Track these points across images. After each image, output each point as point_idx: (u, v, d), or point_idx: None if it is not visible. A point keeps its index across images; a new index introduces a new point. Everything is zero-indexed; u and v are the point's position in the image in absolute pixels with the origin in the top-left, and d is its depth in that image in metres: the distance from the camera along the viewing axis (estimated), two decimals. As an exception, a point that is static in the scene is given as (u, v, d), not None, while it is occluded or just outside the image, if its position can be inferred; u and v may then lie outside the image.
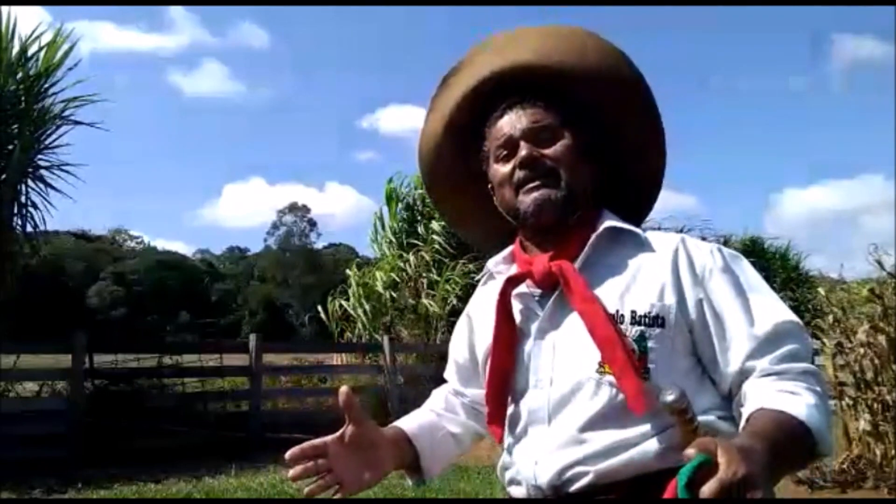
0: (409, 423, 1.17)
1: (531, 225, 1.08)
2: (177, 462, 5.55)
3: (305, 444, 1.01)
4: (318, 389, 8.88)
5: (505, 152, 1.08)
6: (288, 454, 1.00)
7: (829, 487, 4.31)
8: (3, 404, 6.28)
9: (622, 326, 0.98)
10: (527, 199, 1.05)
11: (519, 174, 1.06)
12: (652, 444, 0.94)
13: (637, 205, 1.18)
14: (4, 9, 6.80)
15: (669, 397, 0.89)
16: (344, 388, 1.02)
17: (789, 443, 0.86)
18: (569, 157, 1.06)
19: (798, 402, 0.90)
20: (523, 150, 1.05)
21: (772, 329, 0.97)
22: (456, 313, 9.65)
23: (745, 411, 0.93)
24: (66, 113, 7.11)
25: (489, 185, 1.14)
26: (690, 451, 0.77)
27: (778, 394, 0.92)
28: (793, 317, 1.00)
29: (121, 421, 6.20)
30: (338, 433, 1.03)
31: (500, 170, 1.09)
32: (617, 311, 0.99)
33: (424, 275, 10.20)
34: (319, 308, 11.74)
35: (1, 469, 4.98)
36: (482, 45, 1.15)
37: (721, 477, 0.73)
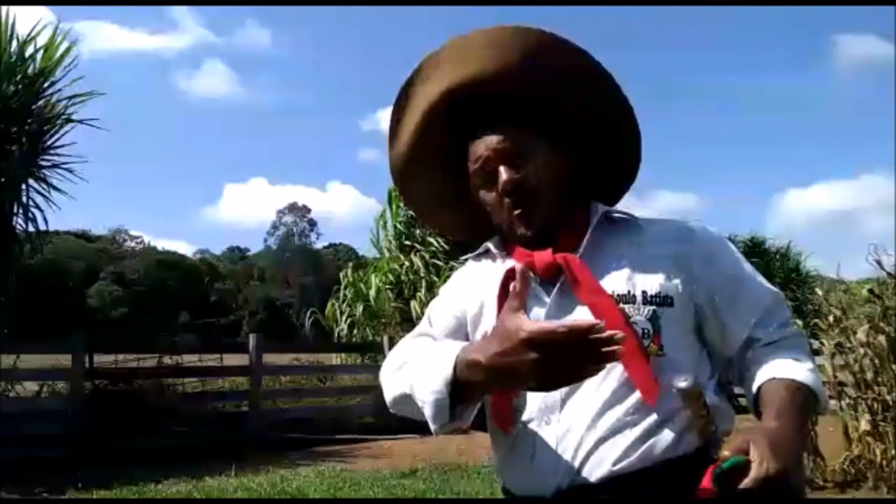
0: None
1: (532, 244, 1.08)
2: (177, 462, 5.54)
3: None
4: (318, 389, 8.88)
5: (486, 176, 1.08)
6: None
7: (830, 487, 4.31)
8: (3, 404, 6.28)
9: (634, 306, 1.00)
10: (521, 228, 1.07)
11: (507, 201, 1.07)
12: (668, 431, 0.96)
13: (615, 188, 1.19)
14: (4, 8, 6.81)
15: (683, 384, 0.94)
16: (520, 267, 0.91)
17: (806, 408, 0.98)
18: (549, 170, 1.06)
19: (801, 368, 1.00)
20: (503, 175, 1.05)
21: (767, 301, 1.07)
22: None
23: (755, 377, 1.01)
24: (68, 111, 7.11)
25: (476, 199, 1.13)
26: (725, 453, 0.87)
27: (783, 361, 1.01)
28: (774, 287, 1.11)
29: (121, 421, 6.21)
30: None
31: (487, 195, 1.10)
32: (628, 292, 1.01)
33: (423, 276, 10.21)
34: (317, 308, 11.76)
35: (1, 469, 4.98)
36: (427, 65, 1.11)
37: (754, 476, 0.83)
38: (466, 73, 1.07)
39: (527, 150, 1.06)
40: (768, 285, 1.09)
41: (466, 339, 1.11)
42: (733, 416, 1.05)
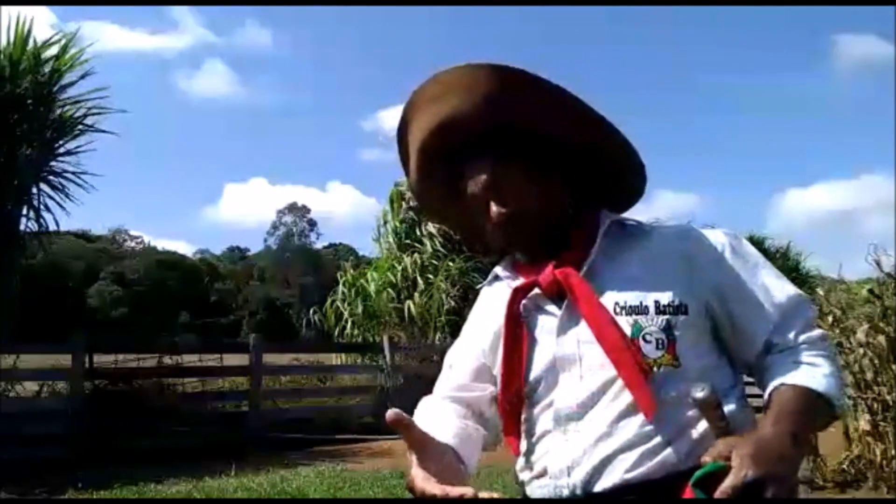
0: (447, 435, 1.04)
1: (536, 261, 1.11)
2: (177, 462, 5.55)
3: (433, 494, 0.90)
4: (318, 389, 8.88)
5: (479, 208, 1.11)
6: None
7: (830, 487, 4.31)
8: (3, 404, 6.28)
9: (647, 317, 1.00)
10: (516, 252, 1.14)
11: (499, 232, 1.09)
12: (683, 441, 0.96)
13: (623, 194, 1.18)
14: (19, 13, 6.83)
15: (700, 394, 0.92)
16: (393, 411, 0.91)
17: (811, 417, 0.97)
18: (537, 198, 1.07)
19: (816, 373, 0.98)
20: (493, 210, 1.08)
21: (786, 304, 1.04)
22: (452, 313, 9.74)
23: (769, 384, 1.00)
24: (86, 120, 7.17)
25: None
26: (706, 458, 0.87)
27: (797, 366, 0.99)
28: (797, 289, 1.07)
29: (121, 421, 6.21)
30: (416, 466, 0.94)
31: (483, 224, 1.12)
32: (640, 303, 1.01)
33: (419, 276, 10.21)
34: (317, 308, 11.77)
35: (1, 469, 4.98)
36: (409, 108, 1.13)
37: (729, 483, 0.83)
38: (440, 116, 1.09)
39: (511, 183, 1.07)
40: (788, 287, 1.06)
41: (490, 375, 1.15)
42: (756, 422, 1.02)
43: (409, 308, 9.86)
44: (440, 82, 1.09)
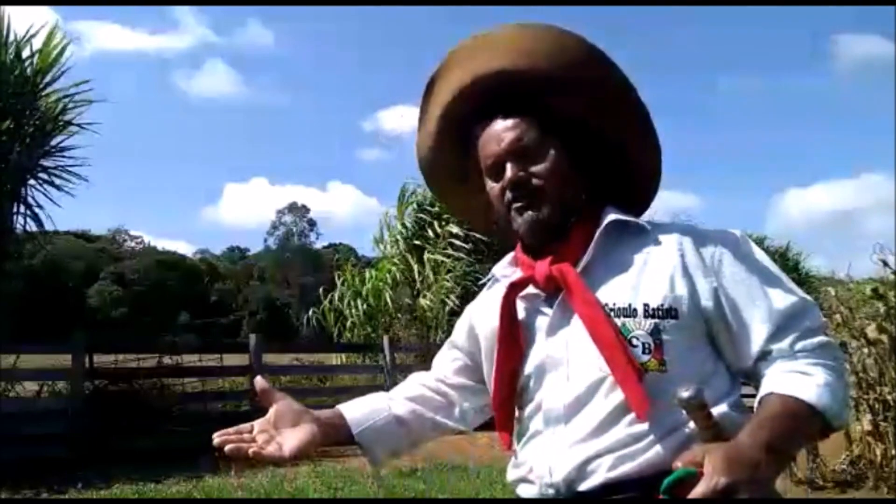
0: (349, 405, 1.16)
1: (527, 243, 1.10)
2: (177, 462, 5.55)
3: (231, 429, 1.02)
4: (318, 389, 8.89)
5: (494, 169, 1.08)
6: (216, 440, 1.00)
7: (830, 487, 4.31)
8: (3, 404, 6.28)
9: (635, 320, 0.98)
10: (518, 220, 1.07)
11: (508, 195, 1.06)
12: (668, 443, 0.95)
13: (636, 198, 1.16)
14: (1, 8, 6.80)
15: (685, 394, 0.90)
16: (258, 379, 1.07)
17: (795, 428, 0.93)
18: (557, 172, 1.05)
19: (808, 383, 0.94)
20: (509, 171, 1.05)
21: (787, 310, 0.99)
22: (455, 314, 9.73)
23: (760, 393, 0.97)
24: (66, 116, 7.11)
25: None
26: (677, 464, 0.85)
27: (789, 375, 0.96)
28: (803, 294, 1.02)
29: (121, 421, 6.20)
30: (265, 417, 1.05)
31: (492, 186, 1.09)
32: (629, 305, 0.99)
33: (426, 275, 10.22)
34: (316, 308, 11.76)
35: (1, 469, 4.98)
36: (456, 51, 1.11)
37: (700, 490, 0.81)
38: (495, 63, 1.05)
39: (538, 152, 1.05)
40: (792, 292, 1.01)
41: (474, 374, 1.20)
42: None
43: (419, 307, 9.86)
44: (520, 31, 1.06)
